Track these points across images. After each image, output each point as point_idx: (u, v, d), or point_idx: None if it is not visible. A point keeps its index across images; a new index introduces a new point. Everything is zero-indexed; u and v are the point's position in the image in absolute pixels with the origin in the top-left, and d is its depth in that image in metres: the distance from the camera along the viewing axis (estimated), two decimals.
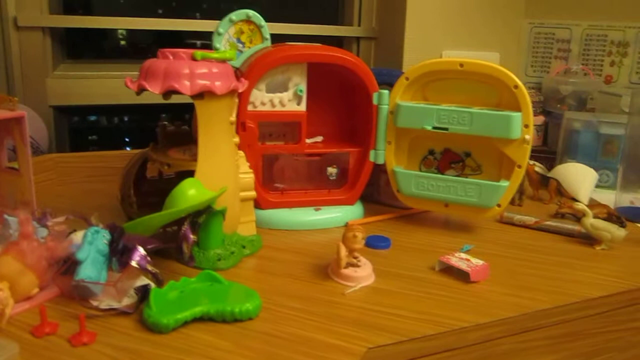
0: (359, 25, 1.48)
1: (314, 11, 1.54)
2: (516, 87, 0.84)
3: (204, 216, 0.71)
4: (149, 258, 0.66)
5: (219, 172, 0.76)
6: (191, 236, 0.70)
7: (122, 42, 1.44)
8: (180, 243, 0.71)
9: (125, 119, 1.52)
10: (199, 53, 0.73)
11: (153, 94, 0.73)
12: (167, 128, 0.91)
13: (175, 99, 0.74)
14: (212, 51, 0.76)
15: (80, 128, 1.43)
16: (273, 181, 0.95)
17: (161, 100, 0.75)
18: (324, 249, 0.83)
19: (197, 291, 0.65)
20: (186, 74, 0.71)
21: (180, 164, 0.79)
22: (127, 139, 1.55)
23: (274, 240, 0.86)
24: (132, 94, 0.76)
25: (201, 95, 0.72)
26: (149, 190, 0.93)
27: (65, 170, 1.12)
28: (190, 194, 0.71)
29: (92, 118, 1.45)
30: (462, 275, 0.74)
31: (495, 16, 1.48)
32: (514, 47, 1.54)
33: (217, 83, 0.73)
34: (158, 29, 1.30)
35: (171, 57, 0.74)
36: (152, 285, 0.65)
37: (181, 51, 0.74)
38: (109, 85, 1.27)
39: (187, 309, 0.60)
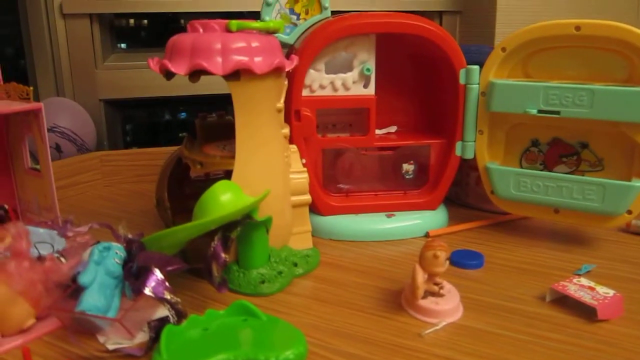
0: None
1: None
2: None
3: (238, 229, 0.56)
4: (167, 284, 0.51)
5: (263, 172, 0.61)
6: (222, 254, 0.55)
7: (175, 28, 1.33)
8: (210, 263, 0.56)
9: (185, 112, 1.41)
10: (234, 23, 0.58)
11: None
12: (208, 119, 0.76)
13: None
14: (252, 21, 0.60)
15: (138, 123, 1.33)
16: (336, 181, 0.78)
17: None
18: (397, 268, 0.66)
19: (226, 329, 0.49)
20: (218, 49, 0.57)
21: (214, 161, 0.65)
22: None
23: (335, 255, 0.70)
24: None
25: (237, 75, 0.57)
26: (192, 193, 0.80)
27: (112, 170, 1.02)
28: (223, 200, 0.56)
29: (153, 112, 1.35)
30: (583, 310, 0.54)
31: None
32: (632, 15, 1.28)
33: (257, 59, 0.58)
34: (213, 11, 1.17)
35: (201, 30, 0.59)
36: (172, 319, 0.51)
37: (213, 22, 0.59)
38: None
39: (208, 356, 0.45)
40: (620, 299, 0.55)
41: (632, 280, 0.62)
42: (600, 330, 0.52)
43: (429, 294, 0.55)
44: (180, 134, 1.36)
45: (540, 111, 0.68)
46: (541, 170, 0.73)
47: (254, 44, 0.58)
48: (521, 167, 0.75)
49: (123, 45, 1.25)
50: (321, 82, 0.73)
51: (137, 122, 1.33)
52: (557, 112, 0.67)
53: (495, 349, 0.50)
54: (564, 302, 0.57)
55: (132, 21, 1.25)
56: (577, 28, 0.67)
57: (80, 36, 1.10)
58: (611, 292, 0.55)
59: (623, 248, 0.72)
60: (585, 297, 0.54)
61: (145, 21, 1.26)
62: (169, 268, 0.53)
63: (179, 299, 0.51)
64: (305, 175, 0.67)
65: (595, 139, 0.71)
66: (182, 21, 1.26)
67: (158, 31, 1.27)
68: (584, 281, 0.58)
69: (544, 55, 0.71)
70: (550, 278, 0.60)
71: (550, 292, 0.57)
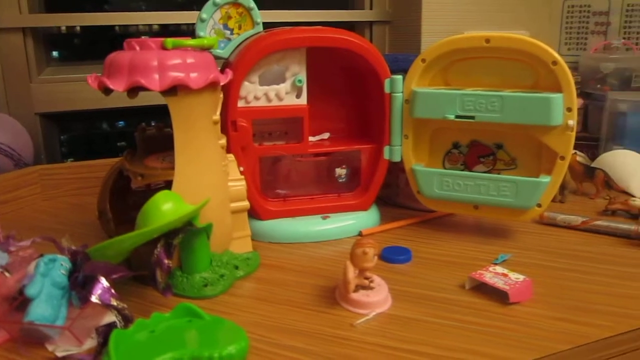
0: (371, 8, 1.34)
1: None
2: (555, 63, 0.70)
3: (180, 236, 0.59)
4: (113, 291, 0.54)
5: (202, 182, 0.65)
6: (165, 261, 0.58)
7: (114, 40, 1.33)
8: (154, 270, 0.59)
9: (124, 122, 1.41)
10: (169, 40, 0.61)
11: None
12: (147, 131, 0.79)
13: None
14: (187, 38, 0.64)
15: (75, 135, 1.32)
16: (274, 187, 0.82)
17: None
18: (332, 266, 0.70)
19: (171, 330, 0.53)
20: (154, 66, 0.60)
21: (155, 173, 0.68)
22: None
23: (274, 257, 0.74)
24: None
25: (174, 90, 0.61)
26: (134, 204, 0.82)
27: (52, 183, 1.02)
28: (165, 209, 0.59)
29: (91, 124, 1.35)
30: (499, 295, 0.61)
31: None
32: (545, 24, 1.38)
33: (193, 75, 0.61)
34: (146, 23, 1.19)
35: (138, 48, 0.62)
36: (120, 324, 0.54)
37: (150, 40, 0.62)
38: None
39: (156, 356, 0.48)
40: (529, 283, 0.61)
41: (542, 266, 0.69)
42: (512, 311, 0.59)
43: (360, 287, 0.60)
44: (119, 144, 1.37)
45: (457, 116, 0.74)
46: (462, 170, 0.80)
47: (189, 61, 0.61)
48: (444, 167, 0.81)
49: (56, 54, 1.25)
50: (256, 93, 0.76)
51: (74, 133, 1.33)
52: (473, 117, 0.74)
53: (421, 334, 0.55)
54: (481, 288, 0.63)
55: (64, 28, 1.24)
56: (487, 40, 0.73)
57: (14, 50, 1.09)
58: (521, 278, 0.62)
59: (536, 238, 0.79)
60: (499, 283, 0.61)
61: (78, 28, 1.26)
62: (115, 276, 0.55)
63: (125, 305, 0.54)
64: (243, 182, 0.71)
65: (509, 141, 0.78)
66: (117, 28, 1.26)
67: (92, 39, 1.27)
68: (498, 269, 0.64)
69: (461, 65, 0.78)
70: (471, 268, 0.66)
71: (469, 280, 0.63)
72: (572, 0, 1.34)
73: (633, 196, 0.90)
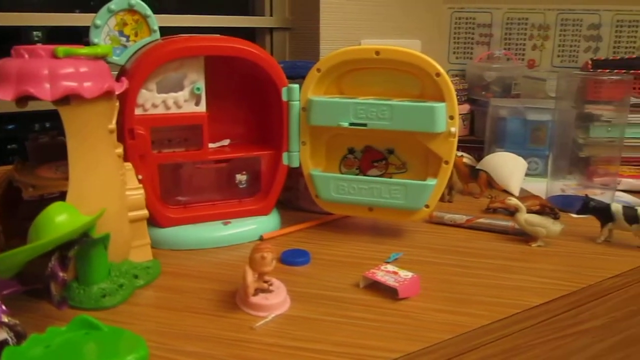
0: (271, 15, 1.37)
1: (222, 1, 1.42)
2: (438, 75, 0.76)
3: (75, 248, 0.58)
4: (4, 307, 0.52)
5: (98, 192, 0.64)
6: (60, 274, 0.57)
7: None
8: (48, 283, 0.58)
9: (15, 126, 1.35)
10: (61, 49, 0.60)
11: None
12: (40, 140, 0.77)
13: None
14: (80, 46, 0.63)
15: None
16: (174, 194, 0.82)
17: None
18: (233, 271, 0.72)
19: (68, 344, 0.52)
20: (45, 75, 0.58)
21: (48, 184, 0.66)
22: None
23: (175, 264, 0.74)
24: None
25: (67, 100, 0.60)
26: (26, 215, 0.79)
27: None
28: (59, 221, 0.58)
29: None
30: (390, 291, 0.65)
31: (415, 1, 1.40)
32: (436, 34, 1.47)
33: (87, 84, 0.60)
34: (37, 24, 1.15)
35: (27, 56, 0.60)
36: (12, 341, 0.52)
37: (39, 47, 0.61)
38: None
39: None
40: (417, 280, 0.66)
41: (430, 263, 0.75)
42: (402, 306, 0.63)
43: (259, 291, 0.62)
44: (8, 146, 1.30)
45: (351, 124, 0.78)
46: (357, 175, 0.84)
47: (83, 69, 0.61)
48: (341, 172, 0.85)
49: None
50: (153, 101, 0.76)
51: None
52: (365, 125, 0.78)
53: (317, 332, 0.58)
54: (374, 286, 0.67)
55: None
56: (377, 53, 0.78)
57: None
58: (410, 275, 0.66)
59: (425, 236, 0.85)
60: (390, 281, 0.65)
61: None
62: (5, 292, 0.54)
63: (17, 321, 0.53)
64: (141, 191, 0.70)
65: (399, 146, 0.83)
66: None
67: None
68: (389, 267, 0.69)
69: (354, 75, 0.82)
70: (365, 267, 0.69)
71: (363, 279, 0.67)
72: (459, 13, 1.44)
73: (511, 195, 0.98)
